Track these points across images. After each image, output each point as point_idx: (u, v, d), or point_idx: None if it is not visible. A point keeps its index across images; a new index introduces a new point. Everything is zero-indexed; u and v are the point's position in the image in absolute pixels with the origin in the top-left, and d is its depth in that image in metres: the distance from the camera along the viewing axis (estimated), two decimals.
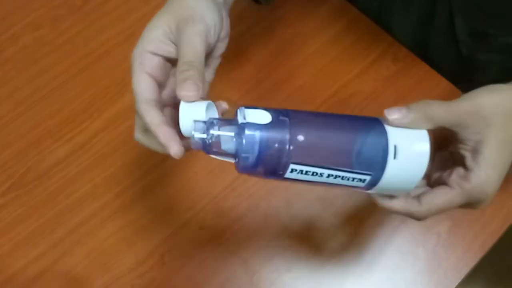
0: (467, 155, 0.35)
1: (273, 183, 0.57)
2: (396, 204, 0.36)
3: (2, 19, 0.68)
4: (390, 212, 0.37)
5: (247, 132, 0.33)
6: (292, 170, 0.34)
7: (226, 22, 0.42)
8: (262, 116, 0.33)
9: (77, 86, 0.63)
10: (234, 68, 0.63)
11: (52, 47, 0.66)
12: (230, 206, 0.56)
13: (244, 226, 0.55)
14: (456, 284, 0.52)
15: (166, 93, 0.41)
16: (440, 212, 0.36)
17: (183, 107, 0.36)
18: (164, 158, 0.58)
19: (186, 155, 0.58)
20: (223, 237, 0.54)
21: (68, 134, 0.60)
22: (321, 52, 0.64)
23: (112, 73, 0.64)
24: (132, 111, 0.61)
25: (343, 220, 0.55)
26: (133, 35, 0.66)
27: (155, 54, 0.38)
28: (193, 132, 0.34)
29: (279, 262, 0.53)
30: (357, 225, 0.55)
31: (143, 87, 0.38)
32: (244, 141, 0.33)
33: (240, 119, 0.34)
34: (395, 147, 0.34)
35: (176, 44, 0.38)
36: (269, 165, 0.34)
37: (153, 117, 0.37)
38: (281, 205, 0.56)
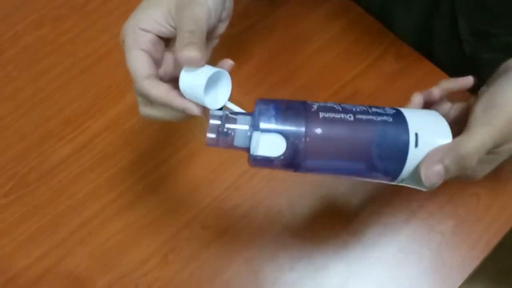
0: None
1: (276, 182, 0.57)
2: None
3: (4, 19, 0.68)
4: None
5: (256, 161, 0.34)
6: (305, 170, 0.35)
7: (229, 3, 0.41)
8: (275, 146, 0.33)
9: (79, 86, 0.63)
10: (237, 66, 0.62)
11: (53, 47, 0.66)
12: (233, 205, 0.56)
13: (247, 225, 0.55)
14: (460, 283, 0.52)
15: (161, 70, 0.39)
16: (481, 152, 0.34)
17: (184, 75, 0.35)
18: (166, 158, 0.58)
19: (188, 154, 0.58)
20: (226, 236, 0.54)
21: (70, 134, 0.60)
22: (324, 50, 0.64)
23: (114, 73, 0.64)
24: (133, 112, 0.61)
25: (346, 219, 0.55)
26: None
27: (148, 31, 0.37)
28: (208, 133, 0.34)
29: (282, 261, 0.53)
30: (360, 225, 0.54)
31: (141, 64, 0.37)
32: (255, 158, 0.34)
33: (253, 149, 0.34)
34: (416, 135, 0.34)
35: (175, 25, 0.37)
36: (281, 167, 0.35)
37: (160, 89, 0.36)
38: (284, 204, 0.56)
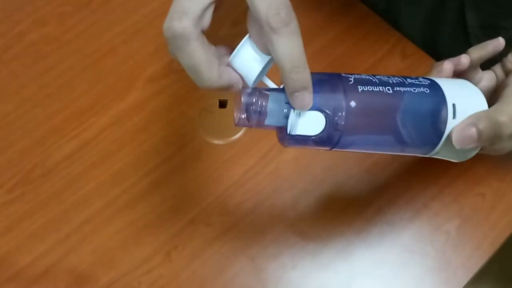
0: None
1: (280, 180, 0.56)
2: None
3: (9, 16, 0.69)
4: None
5: (294, 139, 0.32)
6: (342, 147, 0.34)
7: None
8: (314, 123, 0.32)
9: (84, 83, 0.63)
10: None
11: (58, 44, 0.66)
12: (237, 203, 0.56)
13: (251, 223, 0.55)
14: (465, 282, 0.51)
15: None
16: None
17: (239, 55, 0.33)
18: (170, 155, 0.58)
19: (192, 151, 0.58)
20: (230, 234, 0.54)
21: (74, 131, 0.60)
22: (329, 48, 0.64)
23: (118, 70, 0.64)
24: (138, 109, 0.61)
25: (351, 218, 0.54)
26: (140, 31, 0.66)
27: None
28: (239, 114, 0.32)
29: (285, 260, 0.53)
30: (364, 223, 0.54)
31: (208, 64, 0.33)
32: (292, 143, 0.33)
33: (289, 128, 0.32)
34: (453, 106, 0.33)
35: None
36: (317, 145, 0.33)
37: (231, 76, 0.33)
38: (288, 202, 0.55)
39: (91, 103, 0.62)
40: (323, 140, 0.32)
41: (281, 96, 0.32)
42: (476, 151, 0.36)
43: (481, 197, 0.55)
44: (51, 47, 0.66)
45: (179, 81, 0.62)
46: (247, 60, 0.33)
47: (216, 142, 0.58)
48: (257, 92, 0.32)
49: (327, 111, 0.31)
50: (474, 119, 0.34)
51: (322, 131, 0.32)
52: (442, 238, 0.53)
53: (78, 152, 0.59)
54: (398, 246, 0.53)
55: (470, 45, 0.54)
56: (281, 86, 0.33)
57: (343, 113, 0.31)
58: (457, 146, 0.33)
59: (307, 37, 0.64)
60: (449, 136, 0.34)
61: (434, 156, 0.36)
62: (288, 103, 0.32)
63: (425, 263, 0.52)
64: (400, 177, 0.56)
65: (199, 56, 0.32)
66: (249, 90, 0.33)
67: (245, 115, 0.32)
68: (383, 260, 0.52)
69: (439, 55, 0.62)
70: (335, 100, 0.32)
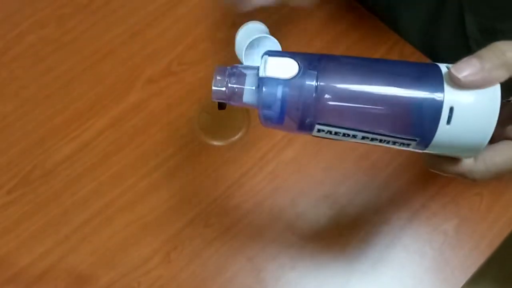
0: None
1: (279, 181, 0.57)
2: (447, 164, 0.31)
3: (8, 18, 0.69)
4: (439, 173, 0.32)
5: (265, 89, 0.29)
6: (319, 130, 0.30)
7: None
8: (286, 67, 0.29)
9: (83, 84, 0.64)
10: None
11: (57, 45, 0.66)
12: (236, 204, 0.56)
13: (250, 224, 0.55)
14: (463, 282, 0.52)
15: None
16: (500, 173, 0.30)
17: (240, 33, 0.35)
18: (169, 156, 0.58)
19: (191, 152, 0.58)
20: (229, 235, 0.54)
21: (74, 132, 0.60)
22: (327, 49, 0.64)
23: (117, 72, 0.64)
24: (137, 110, 0.61)
25: (349, 218, 0.55)
26: (139, 33, 0.66)
27: None
28: (213, 85, 0.31)
29: (284, 260, 0.53)
30: (363, 223, 0.54)
31: None
32: (264, 98, 0.29)
33: (261, 71, 0.30)
34: (450, 109, 0.27)
35: None
36: (292, 124, 0.30)
37: None
38: (286, 203, 0.56)
39: (90, 104, 0.62)
40: (296, 126, 0.30)
41: (255, 69, 0.31)
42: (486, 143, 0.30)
43: (479, 197, 0.55)
44: (50, 48, 0.66)
45: (178, 82, 0.63)
46: (241, 38, 0.34)
47: (215, 143, 0.59)
48: (232, 71, 0.32)
49: (301, 60, 0.30)
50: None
51: (295, 76, 0.29)
52: (440, 238, 0.53)
53: (78, 153, 0.59)
54: (396, 246, 0.53)
55: (469, 49, 0.53)
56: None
57: (318, 62, 0.30)
58: (457, 74, 0.28)
59: (306, 38, 0.65)
60: (448, 133, 0.28)
61: (433, 152, 0.31)
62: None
63: (423, 263, 0.52)
64: (398, 177, 0.56)
65: None
66: (223, 67, 0.32)
67: (220, 91, 0.31)
68: (381, 260, 0.53)
69: (437, 59, 0.62)
70: (311, 56, 0.30)
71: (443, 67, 0.30)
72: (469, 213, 0.54)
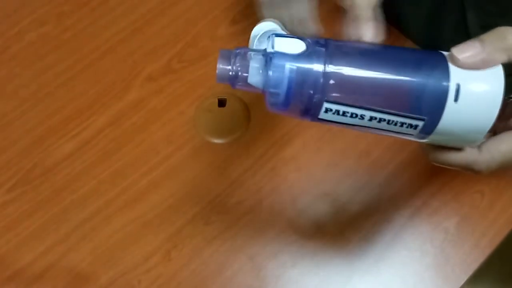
0: None
1: (279, 179, 0.57)
2: (451, 155, 0.30)
3: (8, 16, 0.68)
4: (444, 166, 0.31)
5: (273, 64, 0.29)
6: (326, 110, 0.29)
7: None
8: (294, 45, 0.29)
9: (82, 82, 0.63)
10: None
11: (57, 43, 0.66)
12: (236, 202, 0.56)
13: (250, 222, 0.55)
14: (464, 280, 0.51)
15: None
16: (505, 163, 0.30)
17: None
18: (169, 154, 0.58)
19: (191, 150, 0.58)
20: (229, 233, 0.54)
21: (74, 130, 0.60)
22: None
23: (117, 69, 0.64)
24: (137, 108, 0.61)
25: (350, 216, 0.54)
26: (138, 30, 0.66)
27: None
28: (218, 63, 0.31)
29: (285, 258, 0.53)
30: (364, 221, 0.54)
31: None
32: (271, 74, 0.29)
33: (269, 48, 0.29)
34: (457, 86, 0.28)
35: None
36: (299, 103, 0.29)
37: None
38: (287, 201, 0.55)
39: (90, 102, 0.62)
40: (303, 107, 0.29)
41: (259, 55, 0.31)
42: (492, 125, 0.30)
43: (480, 195, 0.55)
44: (50, 46, 0.66)
45: (178, 80, 0.62)
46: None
47: (215, 141, 0.58)
48: (237, 52, 0.31)
49: (306, 41, 0.30)
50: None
51: (303, 51, 0.29)
52: (441, 236, 0.53)
53: (78, 152, 0.59)
54: (397, 243, 0.53)
55: None
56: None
57: (326, 41, 0.30)
58: (457, 55, 0.29)
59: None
60: (454, 118, 0.28)
61: (435, 141, 0.31)
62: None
63: (424, 261, 0.52)
64: (399, 175, 0.56)
65: None
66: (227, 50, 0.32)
67: (226, 71, 0.31)
68: (382, 258, 0.52)
69: None
70: (318, 39, 0.30)
71: (446, 54, 0.31)
72: (470, 210, 0.54)
